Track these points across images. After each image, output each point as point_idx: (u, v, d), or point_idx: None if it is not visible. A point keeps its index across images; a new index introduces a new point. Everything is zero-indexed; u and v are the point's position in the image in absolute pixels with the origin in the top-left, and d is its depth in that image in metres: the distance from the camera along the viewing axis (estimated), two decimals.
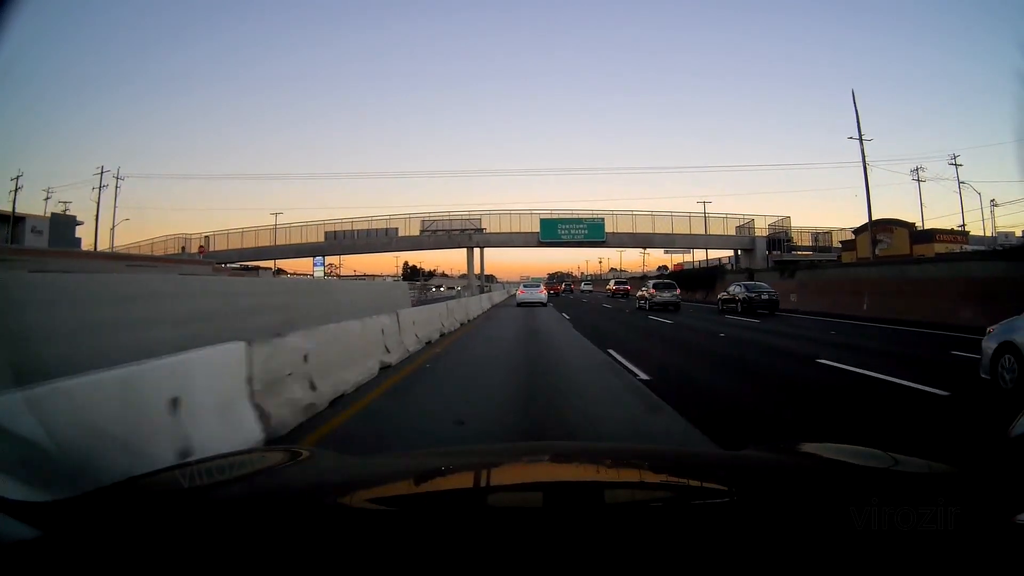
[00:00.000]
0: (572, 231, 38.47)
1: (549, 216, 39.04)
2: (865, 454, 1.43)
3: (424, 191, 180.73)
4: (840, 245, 42.20)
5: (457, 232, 38.79)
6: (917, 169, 44.18)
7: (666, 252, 63.89)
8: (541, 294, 26.71)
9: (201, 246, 42.42)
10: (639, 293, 24.04)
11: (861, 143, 36.01)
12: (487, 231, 39.00)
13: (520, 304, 25.38)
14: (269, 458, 1.65)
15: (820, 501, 1.01)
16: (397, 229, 40.80)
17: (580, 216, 39.10)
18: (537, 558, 0.75)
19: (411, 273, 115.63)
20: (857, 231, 39.12)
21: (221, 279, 10.57)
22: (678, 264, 72.44)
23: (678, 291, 21.77)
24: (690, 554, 0.76)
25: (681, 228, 41.27)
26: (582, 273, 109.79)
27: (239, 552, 0.78)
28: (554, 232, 38.37)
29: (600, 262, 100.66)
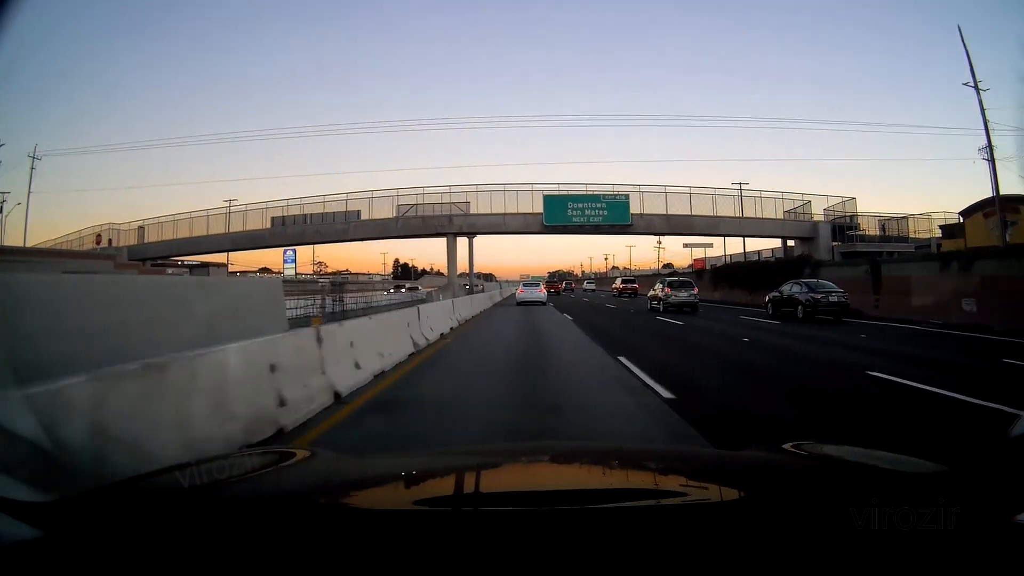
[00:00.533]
0: (587, 212, 28.83)
1: (557, 193, 29.41)
2: (865, 454, 1.45)
3: (399, 163, 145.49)
4: (940, 231, 32.77)
5: (434, 216, 29.17)
6: (988, 147, 36.21)
7: (685, 246, 55.74)
8: (540, 293, 26.37)
9: (98, 234, 33.01)
10: (651, 293, 21.30)
11: (978, 91, 26.73)
12: (476, 213, 29.38)
13: (520, 303, 25.03)
14: (269, 458, 1.54)
15: (820, 501, 1.00)
16: (359, 212, 31.27)
17: (597, 192, 29.43)
18: (538, 559, 0.74)
19: (402, 272, 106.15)
20: (966, 212, 29.85)
21: None
22: (699, 260, 62.81)
23: (695, 290, 19.43)
24: (691, 553, 0.76)
25: (725, 210, 31.76)
26: (583, 272, 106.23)
27: (239, 552, 0.78)
28: (563, 213, 28.75)
29: (606, 258, 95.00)
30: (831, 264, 22.93)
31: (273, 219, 34.14)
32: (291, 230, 31.81)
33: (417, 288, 36.99)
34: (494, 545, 0.76)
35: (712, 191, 31.65)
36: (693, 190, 31.05)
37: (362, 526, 0.87)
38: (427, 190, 29.57)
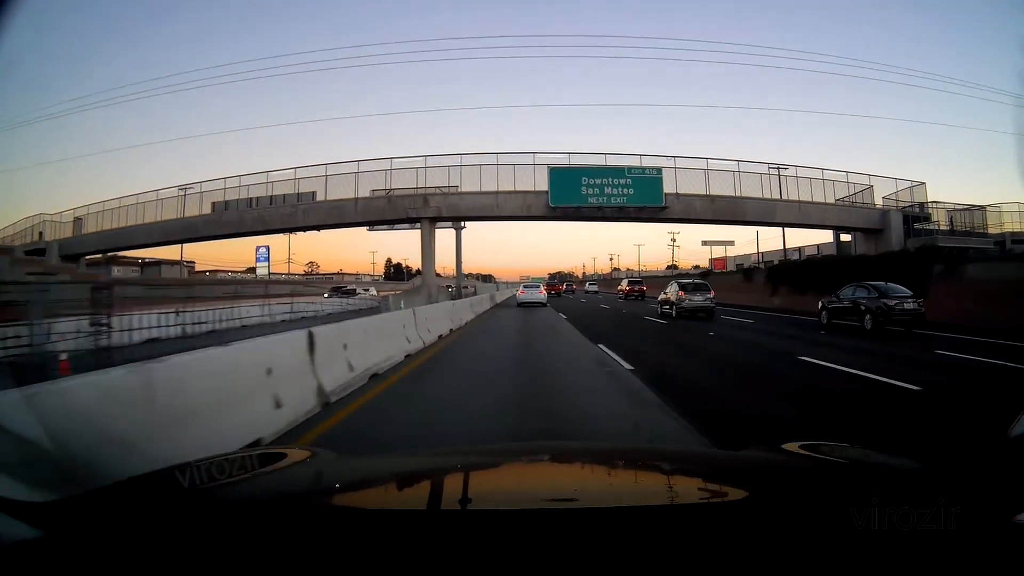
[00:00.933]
0: (607, 190, 21.89)
1: (567, 165, 22.51)
2: (865, 454, 1.46)
3: (367, 134, 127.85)
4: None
5: (405, 196, 22.29)
6: None
7: (704, 243, 49.36)
8: (541, 295, 26.13)
9: None
10: (661, 296, 19.55)
11: None
12: (461, 192, 22.51)
13: (520, 304, 24.63)
14: (269, 458, 1.52)
15: (820, 501, 1.00)
16: (314, 194, 24.48)
17: (620, 165, 22.52)
18: (538, 559, 0.74)
19: (395, 273, 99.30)
20: None
21: None
22: (718, 260, 55.89)
23: (711, 293, 17.58)
24: (692, 553, 0.76)
25: (774, 193, 24.89)
26: (584, 274, 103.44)
27: (238, 552, 0.78)
28: (575, 191, 21.82)
29: (611, 259, 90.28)
30: (981, 259, 16.07)
31: (214, 204, 27.61)
32: (227, 217, 25.06)
33: (356, 291, 29.81)
34: (494, 545, 0.77)
35: (765, 167, 24.82)
36: (742, 166, 24.19)
37: (361, 526, 0.87)
38: (396, 163, 22.70)
